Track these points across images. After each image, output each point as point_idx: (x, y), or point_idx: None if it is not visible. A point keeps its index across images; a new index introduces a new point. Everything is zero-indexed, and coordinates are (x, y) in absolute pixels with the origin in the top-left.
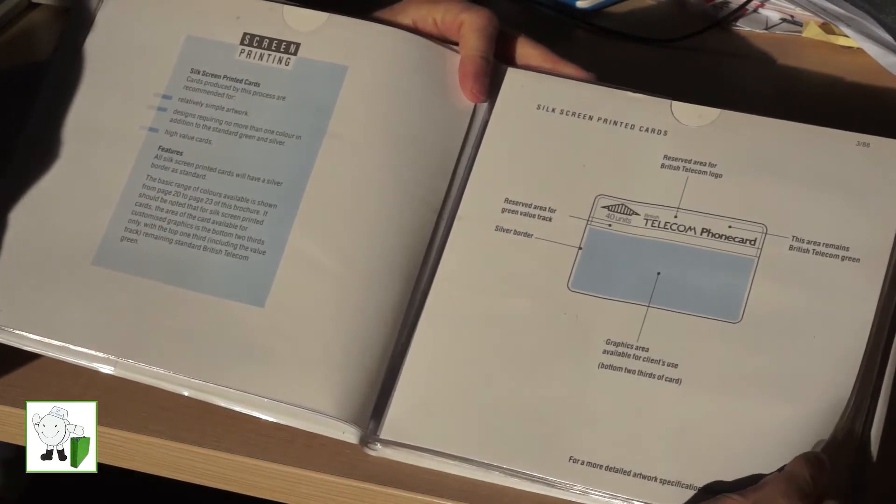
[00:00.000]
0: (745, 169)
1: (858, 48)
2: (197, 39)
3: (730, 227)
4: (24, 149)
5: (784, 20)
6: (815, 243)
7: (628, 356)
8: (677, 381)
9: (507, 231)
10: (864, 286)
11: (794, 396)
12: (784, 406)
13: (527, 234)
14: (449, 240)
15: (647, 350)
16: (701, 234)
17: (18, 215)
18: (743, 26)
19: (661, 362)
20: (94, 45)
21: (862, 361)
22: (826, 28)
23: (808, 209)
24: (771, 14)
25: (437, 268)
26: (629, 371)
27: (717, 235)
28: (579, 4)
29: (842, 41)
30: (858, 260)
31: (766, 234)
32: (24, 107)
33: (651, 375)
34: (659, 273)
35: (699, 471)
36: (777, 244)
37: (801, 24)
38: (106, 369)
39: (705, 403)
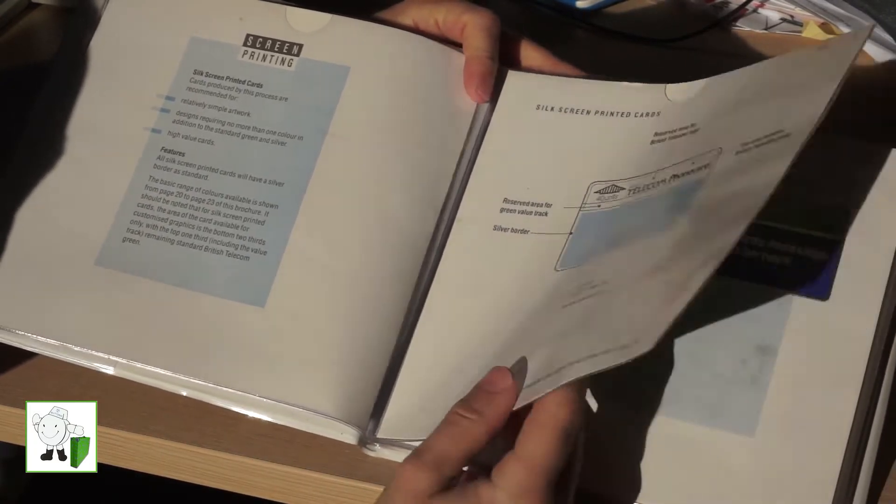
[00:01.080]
0: (716, 115)
1: None
2: (200, 41)
3: (693, 162)
4: (25, 149)
5: (784, 20)
6: (757, 141)
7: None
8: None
9: (505, 230)
10: (788, 152)
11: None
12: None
13: (523, 231)
14: (449, 240)
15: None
16: (671, 181)
17: (20, 215)
18: (743, 26)
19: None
20: (99, 46)
21: None
22: (826, 28)
23: (757, 120)
24: (771, 14)
25: (436, 268)
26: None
27: (681, 175)
28: (579, 4)
29: None
30: (788, 135)
31: (720, 153)
32: (24, 107)
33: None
34: (632, 226)
35: None
36: (726, 158)
37: (801, 24)
38: (106, 369)
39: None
